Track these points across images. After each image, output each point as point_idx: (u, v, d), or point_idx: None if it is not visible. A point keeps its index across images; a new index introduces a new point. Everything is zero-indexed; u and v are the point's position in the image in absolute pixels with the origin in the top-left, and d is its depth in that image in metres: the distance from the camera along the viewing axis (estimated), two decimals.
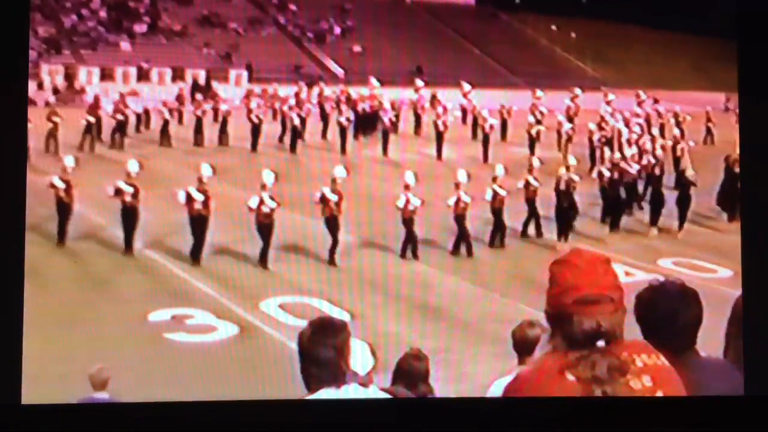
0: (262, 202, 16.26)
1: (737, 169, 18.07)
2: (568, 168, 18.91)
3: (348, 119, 24.10)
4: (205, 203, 16.22)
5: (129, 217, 16.46)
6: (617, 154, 21.09)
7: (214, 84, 27.01)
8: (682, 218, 19.02)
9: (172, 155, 22.56)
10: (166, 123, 23.66)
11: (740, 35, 4.55)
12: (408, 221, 17.12)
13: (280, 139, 24.11)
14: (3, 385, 4.63)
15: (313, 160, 22.52)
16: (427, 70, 27.67)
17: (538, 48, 31.98)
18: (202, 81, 27.11)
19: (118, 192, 16.55)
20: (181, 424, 4.03)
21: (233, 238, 16.63)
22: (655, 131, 24.20)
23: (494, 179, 18.13)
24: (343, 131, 23.88)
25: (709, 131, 26.45)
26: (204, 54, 28.21)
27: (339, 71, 29.13)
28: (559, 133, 24.35)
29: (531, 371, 3.11)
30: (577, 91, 26.58)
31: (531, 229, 18.45)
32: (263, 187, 16.39)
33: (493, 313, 14.03)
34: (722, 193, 19.56)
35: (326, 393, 4.12)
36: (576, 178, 18.73)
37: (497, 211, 17.96)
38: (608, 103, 25.92)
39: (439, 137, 23.83)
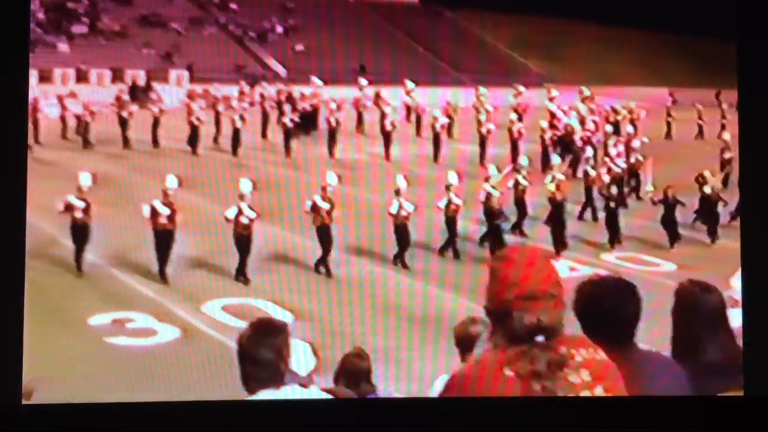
0: (240, 212, 15.69)
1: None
2: (518, 170, 18.92)
3: (292, 120, 23.77)
4: (171, 217, 15.54)
5: (79, 233, 15.62)
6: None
7: (155, 85, 26.70)
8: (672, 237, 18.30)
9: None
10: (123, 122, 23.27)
11: (740, 35, 4.58)
12: (400, 227, 16.76)
13: (215, 140, 23.72)
14: (3, 385, 4.63)
15: (256, 162, 22.31)
16: (371, 69, 27.61)
17: (482, 45, 32.05)
18: (142, 82, 26.78)
19: (69, 208, 15.72)
20: (180, 424, 4.00)
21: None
22: (609, 128, 24.21)
23: (487, 179, 17.88)
24: (287, 132, 23.54)
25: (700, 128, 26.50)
26: (144, 54, 27.90)
27: (281, 70, 28.98)
28: (510, 131, 23.90)
29: (470, 368, 3.11)
30: (521, 88, 26.61)
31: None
32: (241, 197, 15.80)
33: (442, 311, 14.05)
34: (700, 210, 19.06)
35: (265, 394, 4.10)
36: (525, 183, 18.60)
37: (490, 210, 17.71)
38: (551, 99, 25.97)
39: (387, 137, 23.58)
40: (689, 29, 26.57)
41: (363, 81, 26.53)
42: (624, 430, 3.28)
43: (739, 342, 3.84)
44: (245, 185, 16.02)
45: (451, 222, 17.26)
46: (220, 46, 29.03)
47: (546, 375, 2.93)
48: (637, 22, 27.96)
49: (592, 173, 19.77)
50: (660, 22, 26.91)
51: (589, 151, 21.47)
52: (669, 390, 3.74)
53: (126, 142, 23.12)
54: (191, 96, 24.84)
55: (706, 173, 18.73)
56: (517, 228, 18.30)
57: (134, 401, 4.21)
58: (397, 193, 16.96)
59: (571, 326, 3.37)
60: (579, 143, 22.87)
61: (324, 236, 16.23)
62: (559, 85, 27.08)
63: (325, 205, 16.34)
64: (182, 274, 15.45)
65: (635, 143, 21.81)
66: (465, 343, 5.71)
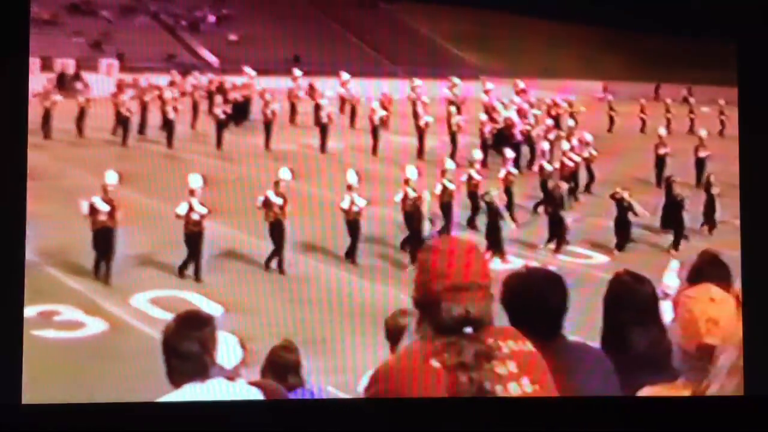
0: (191, 208, 15.33)
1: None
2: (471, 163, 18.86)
3: (225, 112, 23.35)
4: (111, 214, 15.07)
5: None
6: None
7: (84, 74, 26.23)
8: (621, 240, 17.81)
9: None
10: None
11: (740, 35, 4.59)
12: (352, 222, 16.53)
13: (142, 131, 23.27)
14: (3, 385, 4.60)
15: (191, 154, 21.94)
16: (306, 60, 27.46)
17: (418, 37, 32.08)
18: (71, 70, 26.30)
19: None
20: (181, 424, 3.96)
21: None
22: (550, 121, 24.27)
23: (443, 173, 17.76)
24: (219, 124, 23.11)
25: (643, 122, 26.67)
26: (74, 43, 27.42)
27: (214, 60, 28.72)
28: (449, 123, 23.68)
29: (396, 359, 3.09)
30: (456, 80, 26.61)
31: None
32: (191, 192, 15.43)
33: (377, 304, 14.01)
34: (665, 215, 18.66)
35: (191, 387, 4.06)
36: (452, 186, 18.36)
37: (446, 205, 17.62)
38: (487, 92, 26.01)
39: (323, 129, 23.26)
40: (626, 23, 26.86)
41: (297, 72, 26.32)
42: (624, 430, 3.28)
43: (671, 336, 3.85)
44: (195, 180, 15.61)
45: (409, 216, 17.04)
46: (151, 35, 28.68)
47: (473, 366, 2.92)
48: (574, 15, 28.19)
49: (548, 168, 19.82)
50: (596, 16, 27.15)
51: (545, 145, 21.14)
52: (595, 381, 3.75)
53: (47, 132, 22.42)
54: (120, 86, 24.42)
55: (619, 190, 17.91)
56: (470, 223, 18.21)
57: (135, 402, 4.17)
58: (349, 188, 16.70)
59: (500, 318, 3.35)
60: (519, 137, 22.83)
61: (276, 232, 16.02)
62: (494, 78, 27.20)
63: (278, 201, 16.10)
64: (113, 267, 15.17)
65: (587, 137, 21.84)
66: (394, 334, 5.68)
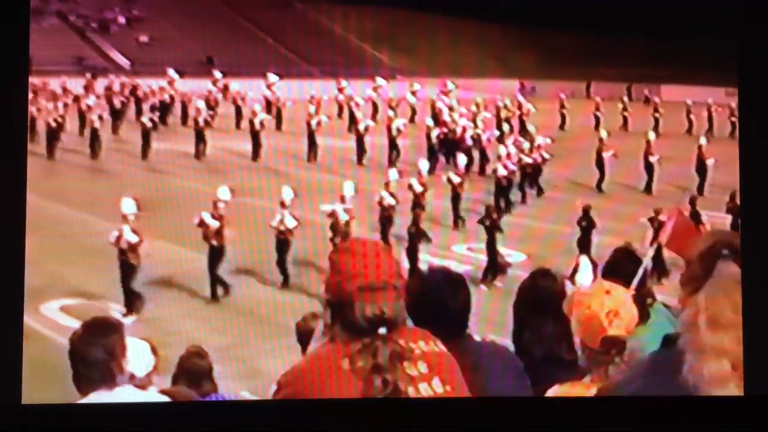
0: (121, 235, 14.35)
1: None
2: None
3: (152, 120, 22.43)
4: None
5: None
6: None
7: None
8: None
9: None
10: None
11: (741, 34, 4.61)
12: (282, 241, 15.67)
13: (58, 139, 22.17)
14: (3, 385, 4.57)
15: (118, 165, 21.30)
16: (219, 61, 27.21)
17: (333, 37, 32.06)
18: None
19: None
20: (183, 424, 3.87)
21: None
22: (506, 127, 24.32)
23: (386, 185, 17.24)
24: (145, 133, 22.04)
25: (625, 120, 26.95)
26: None
27: (125, 62, 28.31)
28: (389, 128, 23.01)
29: (304, 363, 3.03)
30: (380, 81, 26.33)
31: None
32: (124, 218, 14.52)
33: (289, 306, 13.93)
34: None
35: (98, 396, 3.96)
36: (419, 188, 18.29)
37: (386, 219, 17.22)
38: (414, 93, 25.82)
39: (255, 137, 22.30)
40: (541, 22, 27.18)
41: (217, 74, 25.73)
42: (627, 430, 3.27)
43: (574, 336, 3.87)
44: (128, 205, 14.64)
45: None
46: (60, 37, 28.19)
47: (387, 368, 2.89)
48: (490, 15, 28.46)
49: (503, 171, 19.82)
50: (513, 16, 27.44)
51: (502, 150, 20.84)
52: (508, 380, 3.76)
53: None
54: (34, 90, 23.75)
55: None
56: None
57: (135, 402, 4.13)
58: (282, 204, 15.91)
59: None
60: (469, 141, 22.49)
61: (213, 257, 15.07)
62: (413, 78, 27.26)
63: (213, 224, 15.14)
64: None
65: (540, 140, 21.85)
66: (305, 338, 5.64)
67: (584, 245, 16.47)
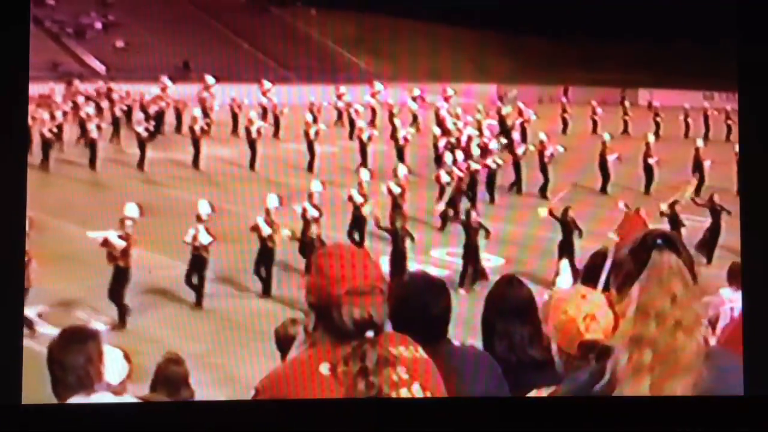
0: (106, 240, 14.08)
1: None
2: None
3: (147, 129, 21.88)
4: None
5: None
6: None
7: None
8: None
9: None
10: None
11: (741, 35, 4.61)
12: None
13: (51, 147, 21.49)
14: (3, 385, 4.67)
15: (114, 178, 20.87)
16: (195, 66, 27.12)
17: (309, 42, 32.03)
18: None
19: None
20: (184, 424, 3.85)
21: None
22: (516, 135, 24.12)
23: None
24: (141, 144, 21.48)
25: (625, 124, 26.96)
26: None
27: (101, 68, 28.18)
28: (394, 138, 22.69)
29: (283, 368, 3.01)
30: (378, 86, 26.14)
31: None
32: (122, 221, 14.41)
33: (264, 313, 13.87)
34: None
35: (76, 401, 3.99)
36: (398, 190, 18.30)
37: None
38: (414, 99, 25.71)
39: (252, 145, 21.99)
40: (517, 27, 27.25)
41: (210, 79, 25.20)
42: (627, 430, 3.25)
43: (550, 342, 3.86)
44: (131, 210, 14.53)
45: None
46: (35, 42, 27.90)
47: (374, 371, 2.89)
48: (467, 19, 28.49)
49: (446, 178, 19.79)
50: (490, 20, 27.49)
51: (448, 157, 20.69)
52: (484, 384, 3.74)
53: None
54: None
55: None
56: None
57: (136, 401, 4.13)
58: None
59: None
60: (476, 151, 21.98)
61: (199, 268, 14.78)
62: (388, 82, 27.25)
63: (205, 240, 14.84)
64: None
65: (550, 149, 21.72)
66: (285, 344, 5.62)
67: (566, 249, 16.29)
